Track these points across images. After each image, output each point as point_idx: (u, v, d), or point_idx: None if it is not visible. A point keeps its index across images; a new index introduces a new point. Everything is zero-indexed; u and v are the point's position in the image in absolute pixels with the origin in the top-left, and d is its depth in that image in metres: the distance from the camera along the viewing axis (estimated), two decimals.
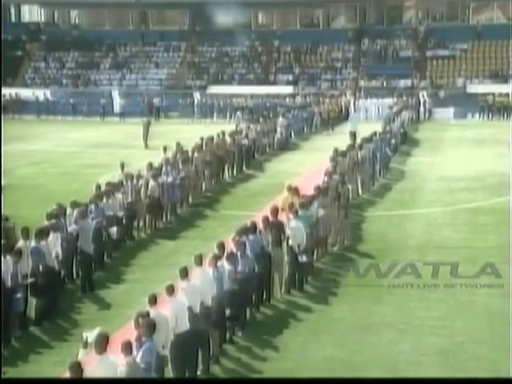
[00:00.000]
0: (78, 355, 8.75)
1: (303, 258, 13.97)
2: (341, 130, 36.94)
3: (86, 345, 8.76)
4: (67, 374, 8.10)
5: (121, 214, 16.90)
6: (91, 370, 8.17)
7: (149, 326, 9.06)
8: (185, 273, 10.78)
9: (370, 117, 43.15)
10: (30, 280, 12.41)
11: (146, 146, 32.77)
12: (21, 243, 12.74)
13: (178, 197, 20.04)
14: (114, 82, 52.82)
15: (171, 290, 10.22)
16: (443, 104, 45.27)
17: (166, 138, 28.43)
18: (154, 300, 9.87)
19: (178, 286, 10.59)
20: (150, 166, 19.56)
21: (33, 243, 12.70)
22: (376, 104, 44.54)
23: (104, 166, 26.46)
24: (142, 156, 26.82)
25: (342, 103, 44.46)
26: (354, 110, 44.59)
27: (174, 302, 10.12)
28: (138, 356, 8.76)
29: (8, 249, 12.24)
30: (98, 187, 17.11)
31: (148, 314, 9.46)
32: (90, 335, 8.75)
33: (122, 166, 19.32)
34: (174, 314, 9.96)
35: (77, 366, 8.04)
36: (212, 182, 23.79)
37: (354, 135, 29.76)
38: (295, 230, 13.92)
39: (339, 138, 30.32)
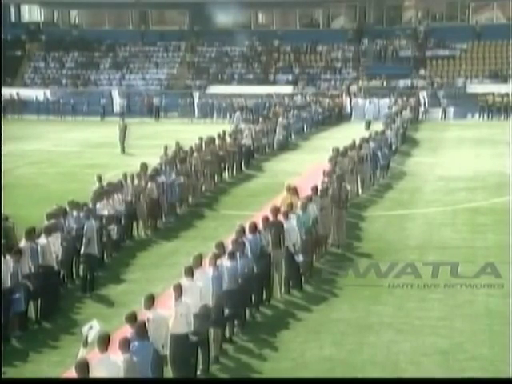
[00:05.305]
0: (78, 354, 8.73)
1: (299, 258, 13.98)
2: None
3: (86, 344, 8.74)
4: (67, 374, 8.08)
5: (120, 213, 16.91)
6: (92, 370, 8.15)
7: (139, 328, 9.02)
8: (190, 272, 10.77)
9: (368, 117, 43.09)
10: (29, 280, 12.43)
11: (123, 150, 30.80)
12: (22, 243, 12.75)
13: (178, 197, 20.04)
14: (113, 81, 52.79)
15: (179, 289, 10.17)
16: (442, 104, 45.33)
17: (165, 138, 28.42)
18: (152, 300, 9.84)
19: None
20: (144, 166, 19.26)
21: (27, 243, 12.70)
22: (375, 104, 44.47)
23: (104, 166, 26.44)
24: (141, 157, 26.76)
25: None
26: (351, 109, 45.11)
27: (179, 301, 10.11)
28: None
29: (7, 248, 12.25)
30: (99, 178, 17.32)
31: (135, 316, 9.37)
32: (90, 331, 8.73)
33: (100, 178, 17.84)
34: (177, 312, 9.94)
35: (84, 365, 7.99)
36: (212, 182, 23.78)
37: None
38: (289, 230, 13.92)
39: (339, 139, 30.32)
